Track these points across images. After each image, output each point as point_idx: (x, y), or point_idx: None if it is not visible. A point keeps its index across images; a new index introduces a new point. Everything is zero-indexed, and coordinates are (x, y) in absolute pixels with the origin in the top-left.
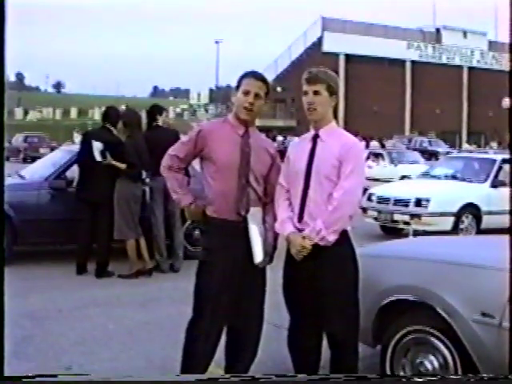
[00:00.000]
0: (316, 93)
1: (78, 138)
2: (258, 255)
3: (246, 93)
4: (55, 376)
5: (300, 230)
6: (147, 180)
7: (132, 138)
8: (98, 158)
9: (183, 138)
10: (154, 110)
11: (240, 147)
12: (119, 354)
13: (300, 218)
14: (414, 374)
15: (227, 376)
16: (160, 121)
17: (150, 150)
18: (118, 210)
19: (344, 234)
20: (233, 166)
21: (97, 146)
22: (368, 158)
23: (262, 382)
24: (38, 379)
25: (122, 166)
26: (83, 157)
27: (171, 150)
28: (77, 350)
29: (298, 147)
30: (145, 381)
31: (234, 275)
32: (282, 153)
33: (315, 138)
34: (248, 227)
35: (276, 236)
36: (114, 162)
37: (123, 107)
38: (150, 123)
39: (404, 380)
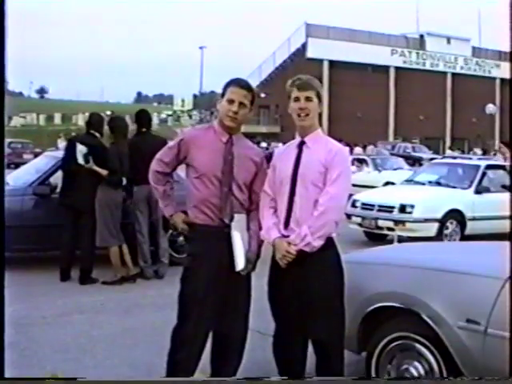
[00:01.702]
0: (308, 99)
1: (62, 143)
2: (240, 263)
3: (231, 101)
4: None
5: (286, 237)
6: (133, 187)
7: (116, 144)
8: (81, 161)
9: (170, 143)
10: (143, 116)
11: (223, 154)
12: (103, 360)
13: (286, 225)
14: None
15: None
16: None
17: (138, 156)
18: (99, 216)
19: (329, 241)
20: (214, 173)
21: (80, 149)
22: (352, 164)
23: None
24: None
25: (104, 172)
26: (67, 162)
27: (158, 155)
28: (61, 357)
29: (284, 154)
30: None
31: (219, 281)
32: (267, 159)
33: (301, 144)
34: (231, 234)
35: (260, 244)
36: (95, 168)
37: (108, 113)
38: (139, 129)
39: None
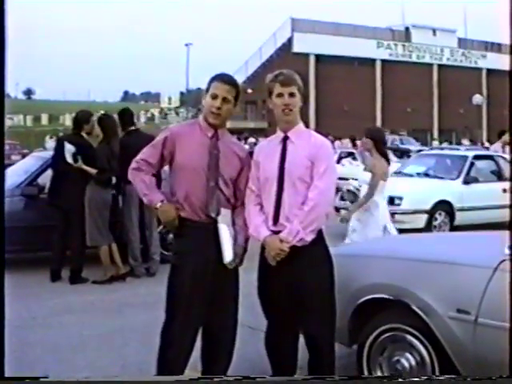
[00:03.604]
0: (291, 95)
1: (49, 143)
2: (228, 255)
3: (214, 97)
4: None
5: (276, 233)
6: (125, 185)
7: (105, 143)
8: (70, 160)
9: (153, 141)
10: (128, 114)
11: (208, 150)
12: (95, 360)
13: (275, 221)
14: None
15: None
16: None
17: (127, 154)
18: (88, 216)
19: (318, 234)
20: (200, 168)
21: (69, 148)
22: (340, 157)
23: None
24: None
25: (93, 170)
26: (56, 161)
27: (140, 154)
28: (52, 358)
29: (267, 150)
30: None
31: (206, 277)
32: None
33: (285, 139)
34: (218, 227)
35: (247, 238)
36: (84, 167)
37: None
38: (125, 127)
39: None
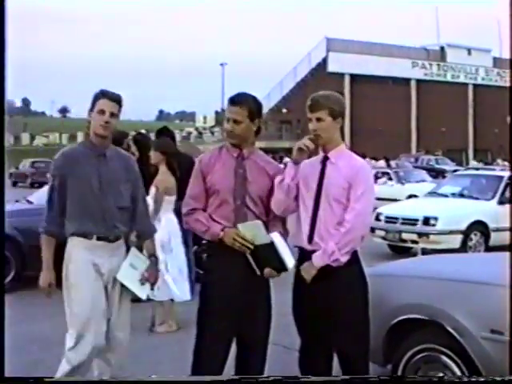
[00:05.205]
0: (318, 120)
1: None
2: (290, 262)
3: (228, 120)
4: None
5: (311, 252)
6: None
7: (141, 161)
8: None
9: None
10: (167, 134)
11: (234, 169)
12: (130, 377)
13: (310, 239)
14: None
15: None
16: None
17: None
18: None
19: (353, 254)
20: (226, 187)
21: None
22: (376, 177)
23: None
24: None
25: None
26: None
27: (185, 197)
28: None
29: (308, 169)
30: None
31: (235, 294)
32: None
33: (324, 160)
34: (271, 237)
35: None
36: None
37: (143, 131)
38: None
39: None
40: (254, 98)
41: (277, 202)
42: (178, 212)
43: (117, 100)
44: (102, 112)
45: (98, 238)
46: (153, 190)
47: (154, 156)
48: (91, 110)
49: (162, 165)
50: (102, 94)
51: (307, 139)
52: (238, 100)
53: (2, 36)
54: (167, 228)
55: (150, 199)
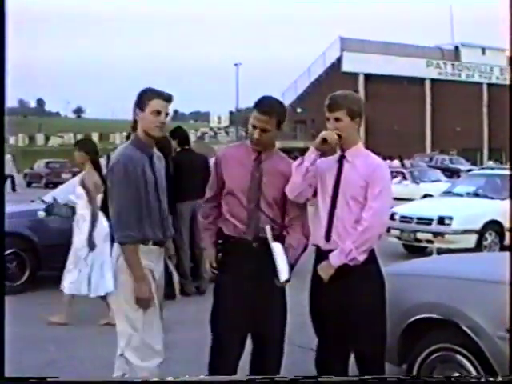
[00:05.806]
0: (337, 120)
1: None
2: (283, 275)
3: (254, 127)
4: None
5: (329, 251)
6: (177, 204)
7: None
8: None
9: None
10: (181, 133)
11: (250, 171)
12: None
13: (327, 238)
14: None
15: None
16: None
17: (181, 173)
18: None
19: (371, 253)
20: (241, 189)
21: None
22: (391, 177)
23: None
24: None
25: None
26: None
27: (205, 195)
28: (101, 374)
29: (324, 167)
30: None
31: (247, 292)
32: None
33: (341, 159)
34: (271, 247)
35: (297, 257)
36: None
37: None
38: (178, 146)
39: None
40: (281, 104)
41: (292, 185)
42: None
43: (171, 100)
44: (157, 113)
45: (154, 243)
46: (80, 189)
47: (78, 156)
48: (141, 109)
49: (87, 164)
50: (157, 95)
51: (334, 133)
52: (267, 110)
53: (3, 36)
54: (99, 227)
55: (76, 199)
